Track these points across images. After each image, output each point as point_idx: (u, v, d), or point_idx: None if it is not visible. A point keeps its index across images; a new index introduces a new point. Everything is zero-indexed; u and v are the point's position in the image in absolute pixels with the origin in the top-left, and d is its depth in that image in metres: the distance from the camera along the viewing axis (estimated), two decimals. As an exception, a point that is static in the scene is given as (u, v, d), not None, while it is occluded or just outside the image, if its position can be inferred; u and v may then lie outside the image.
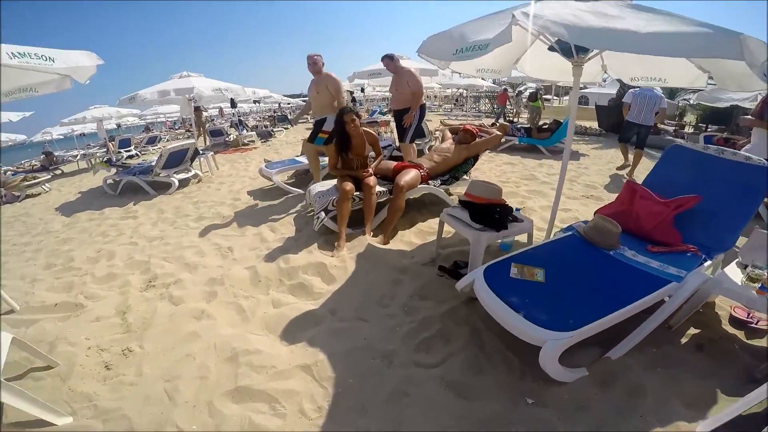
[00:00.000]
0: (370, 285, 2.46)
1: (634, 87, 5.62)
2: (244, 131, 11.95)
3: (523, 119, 15.08)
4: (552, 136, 7.35)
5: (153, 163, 5.75)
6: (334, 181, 3.53)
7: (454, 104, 23.98)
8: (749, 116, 3.95)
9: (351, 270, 2.63)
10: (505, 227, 2.26)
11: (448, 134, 4.18)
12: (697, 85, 2.86)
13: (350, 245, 2.95)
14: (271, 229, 3.59)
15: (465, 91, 20.49)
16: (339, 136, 3.23)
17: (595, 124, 11.21)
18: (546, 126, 7.90)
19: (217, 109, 23.60)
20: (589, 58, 2.43)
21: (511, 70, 3.52)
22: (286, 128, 14.67)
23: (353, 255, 2.79)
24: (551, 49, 2.49)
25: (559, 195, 2.86)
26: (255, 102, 18.77)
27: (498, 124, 8.41)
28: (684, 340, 1.90)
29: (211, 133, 11.57)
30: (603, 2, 1.97)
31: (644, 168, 6.01)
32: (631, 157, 5.77)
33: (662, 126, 10.03)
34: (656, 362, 1.73)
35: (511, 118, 14.51)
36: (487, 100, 22.84)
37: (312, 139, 4.38)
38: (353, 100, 14.69)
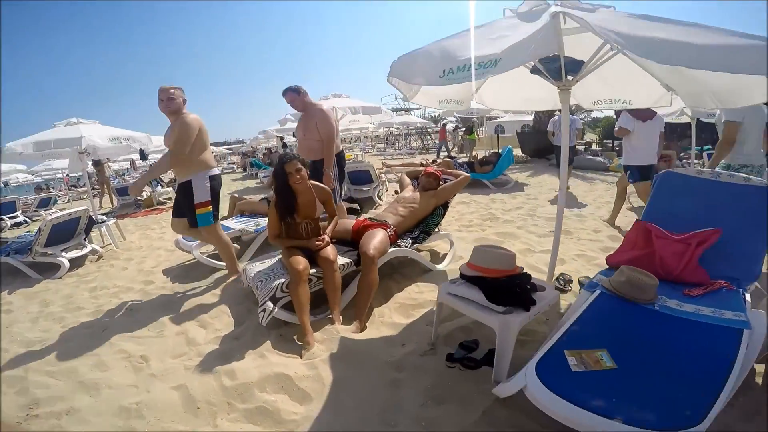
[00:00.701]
0: (363, 396, 1.77)
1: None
2: (159, 187, 10.16)
3: (454, 152, 15.67)
4: (494, 169, 7.42)
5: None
6: (277, 256, 2.75)
7: (386, 143, 24.46)
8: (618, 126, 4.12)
9: (328, 379, 1.90)
10: (534, 302, 1.76)
11: (407, 180, 3.71)
12: (661, 104, 2.83)
13: (317, 338, 2.23)
14: (201, 324, 2.65)
15: (396, 129, 20.93)
16: (281, 195, 2.48)
17: (518, 152, 11.99)
18: (485, 159, 8.01)
19: (129, 162, 21.21)
20: (577, 80, 2.17)
21: (470, 102, 3.25)
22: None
23: (325, 356, 2.07)
24: (533, 71, 2.19)
25: (557, 247, 2.51)
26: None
27: (440, 160, 8.33)
28: (759, 380, 1.71)
29: (118, 192, 9.76)
30: (614, 12, 1.71)
31: (582, 190, 6.36)
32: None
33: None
34: (750, 412, 1.53)
35: (450, 153, 14.92)
36: (417, 137, 23.62)
37: (192, 221, 3.05)
38: (284, 146, 14.00)
